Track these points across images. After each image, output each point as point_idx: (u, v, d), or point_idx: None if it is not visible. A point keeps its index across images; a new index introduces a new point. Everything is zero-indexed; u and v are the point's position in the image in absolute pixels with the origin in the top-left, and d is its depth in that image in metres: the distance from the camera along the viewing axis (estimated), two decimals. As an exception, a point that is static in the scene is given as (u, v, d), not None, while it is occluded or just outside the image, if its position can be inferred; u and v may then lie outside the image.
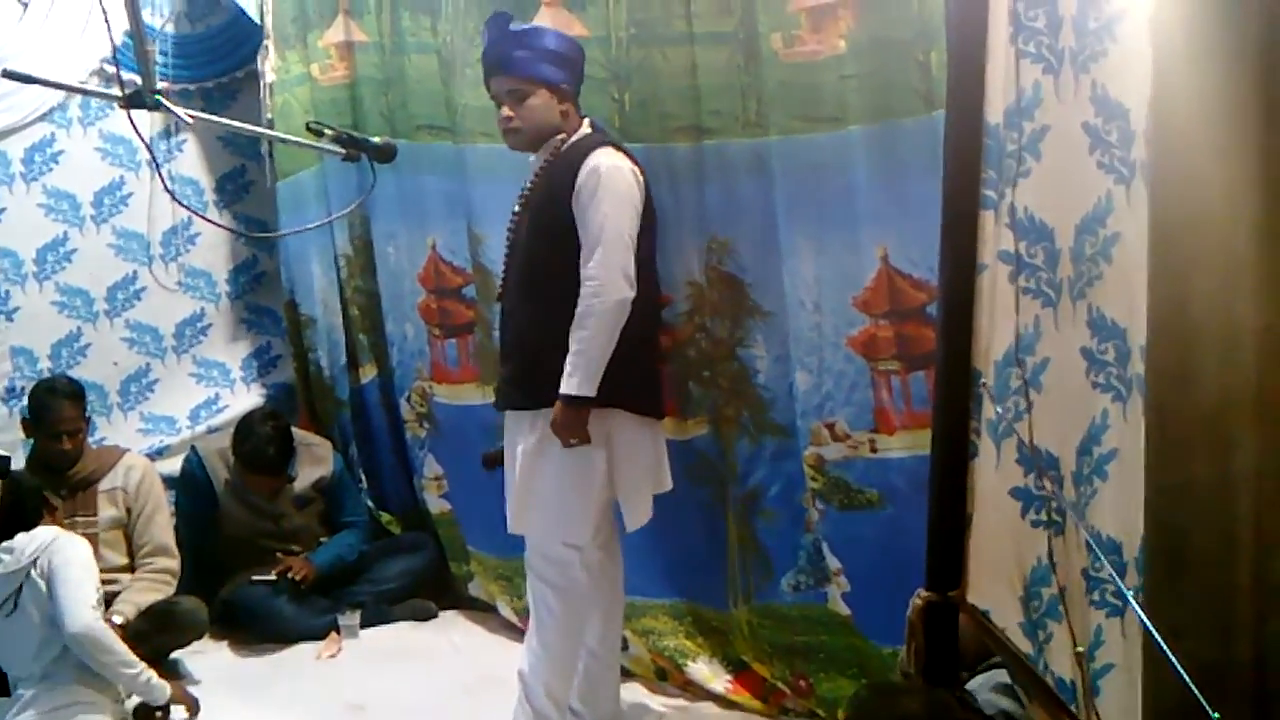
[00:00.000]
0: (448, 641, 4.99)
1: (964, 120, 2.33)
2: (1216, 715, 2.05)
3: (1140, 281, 2.51)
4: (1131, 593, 2.50)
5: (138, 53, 3.35)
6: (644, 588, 4.52)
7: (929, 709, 2.40)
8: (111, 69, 5.02)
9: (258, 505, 5.16)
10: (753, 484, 4.18)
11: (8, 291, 5.19)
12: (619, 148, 3.81)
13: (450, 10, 4.59)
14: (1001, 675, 2.71)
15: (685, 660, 4.39)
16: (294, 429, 5.26)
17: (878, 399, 3.78)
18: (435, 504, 5.33)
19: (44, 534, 4.01)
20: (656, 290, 3.97)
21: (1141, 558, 2.55)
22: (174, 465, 5.27)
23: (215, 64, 5.53)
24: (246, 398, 5.70)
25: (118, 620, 4.29)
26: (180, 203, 4.61)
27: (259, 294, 5.81)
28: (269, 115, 5.31)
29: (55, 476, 4.62)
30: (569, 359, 3.64)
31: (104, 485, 4.82)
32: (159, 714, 4.18)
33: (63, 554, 3.99)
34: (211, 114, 4.65)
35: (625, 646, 4.51)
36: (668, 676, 4.46)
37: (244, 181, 5.72)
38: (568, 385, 3.64)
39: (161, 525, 4.90)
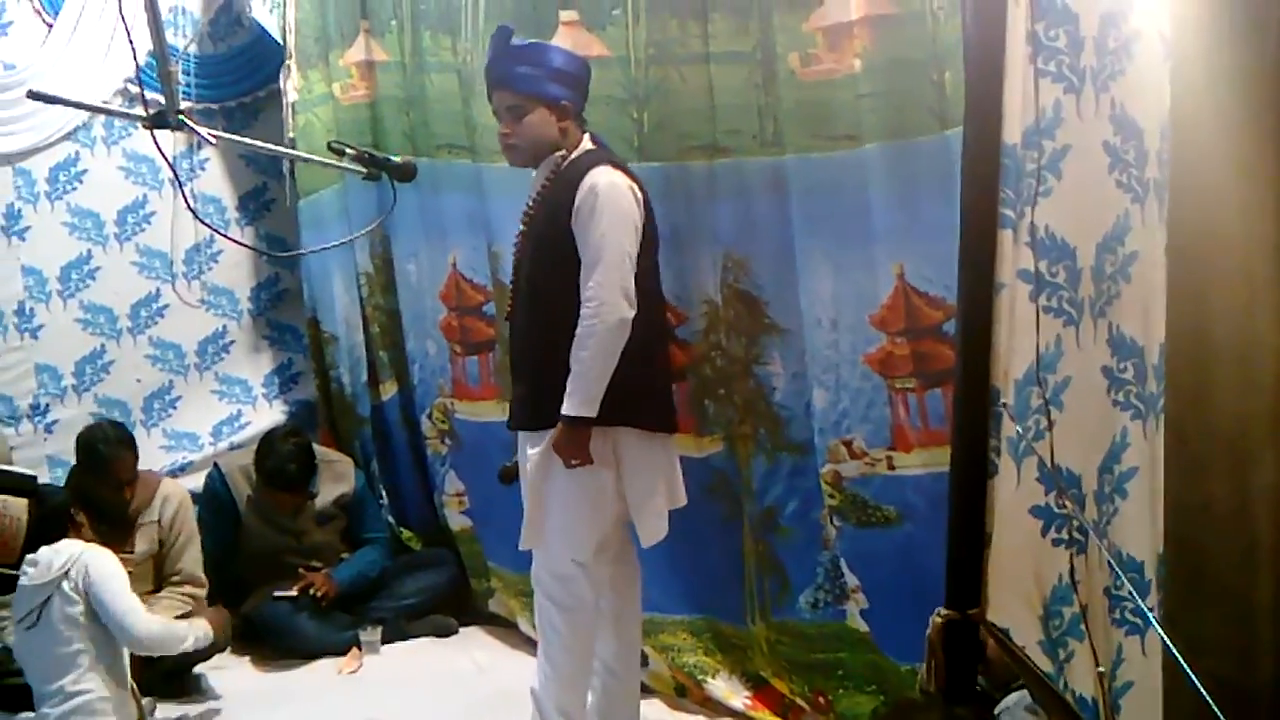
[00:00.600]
0: (468, 658, 4.99)
1: (982, 140, 2.33)
2: (1237, 734, 2.05)
3: (1158, 300, 2.52)
4: (1152, 611, 2.50)
5: (161, 73, 3.37)
6: (663, 604, 4.53)
7: None
8: (135, 88, 5.05)
9: (280, 522, 5.19)
10: (770, 501, 4.19)
11: (32, 309, 5.23)
12: (619, 165, 3.79)
13: (470, 30, 4.62)
14: (1031, 696, 2.72)
15: (705, 676, 4.40)
16: (315, 445, 5.29)
17: (895, 416, 3.79)
18: (456, 520, 5.35)
19: (70, 547, 4.03)
20: (661, 305, 3.96)
21: (1162, 576, 2.55)
22: (196, 482, 5.31)
23: (238, 83, 5.58)
24: (268, 414, 5.75)
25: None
26: (203, 221, 4.65)
27: (281, 311, 5.85)
28: (291, 134, 5.34)
29: (99, 519, 4.59)
30: (570, 379, 3.64)
31: (142, 519, 4.84)
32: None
33: (99, 567, 4.01)
34: (234, 133, 4.69)
35: (645, 662, 4.52)
36: (687, 693, 4.46)
37: (266, 199, 5.76)
38: (568, 405, 3.63)
39: (193, 556, 4.94)
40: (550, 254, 3.74)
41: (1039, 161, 2.38)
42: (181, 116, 3.24)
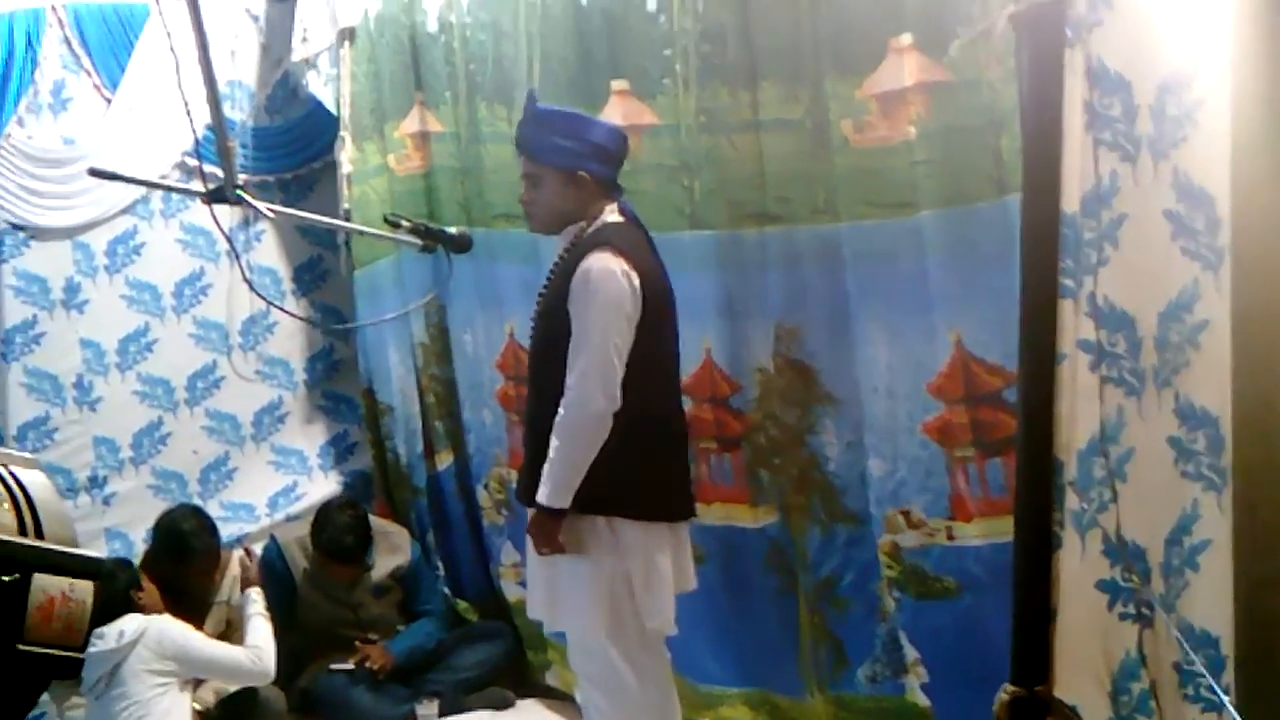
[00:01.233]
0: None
1: (1040, 209, 2.32)
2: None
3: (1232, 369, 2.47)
4: (1229, 689, 2.44)
5: (219, 148, 3.43)
6: (720, 676, 4.50)
7: None
8: (193, 161, 5.14)
9: (336, 594, 5.18)
10: (825, 572, 4.14)
11: (91, 382, 5.28)
12: (622, 248, 3.59)
13: (524, 99, 4.65)
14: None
15: (764, 750, 4.34)
16: (371, 517, 5.29)
17: (954, 486, 3.74)
18: (513, 591, 5.32)
19: (135, 619, 4.08)
20: (668, 390, 3.80)
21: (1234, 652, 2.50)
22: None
23: (293, 156, 5.65)
24: (324, 485, 5.77)
25: (198, 707, 4.30)
26: (259, 294, 4.69)
27: (336, 382, 5.89)
28: (346, 206, 5.38)
29: (177, 600, 4.54)
30: (545, 467, 3.58)
31: (214, 599, 4.87)
32: None
33: (177, 632, 4.13)
34: (290, 204, 4.76)
35: (704, 736, 4.50)
36: (745, 766, 4.40)
37: (321, 270, 5.81)
38: (540, 493, 3.58)
39: None
40: (551, 330, 3.65)
41: (1097, 230, 2.36)
42: (240, 191, 3.28)
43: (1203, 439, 2.41)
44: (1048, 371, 2.30)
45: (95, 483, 5.24)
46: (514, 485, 5.13)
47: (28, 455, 1.45)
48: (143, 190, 5.28)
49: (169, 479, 5.38)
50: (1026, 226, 2.38)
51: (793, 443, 4.14)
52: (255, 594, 4.49)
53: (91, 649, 3.95)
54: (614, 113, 4.39)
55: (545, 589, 3.79)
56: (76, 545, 1.43)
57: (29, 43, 4.95)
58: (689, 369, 4.37)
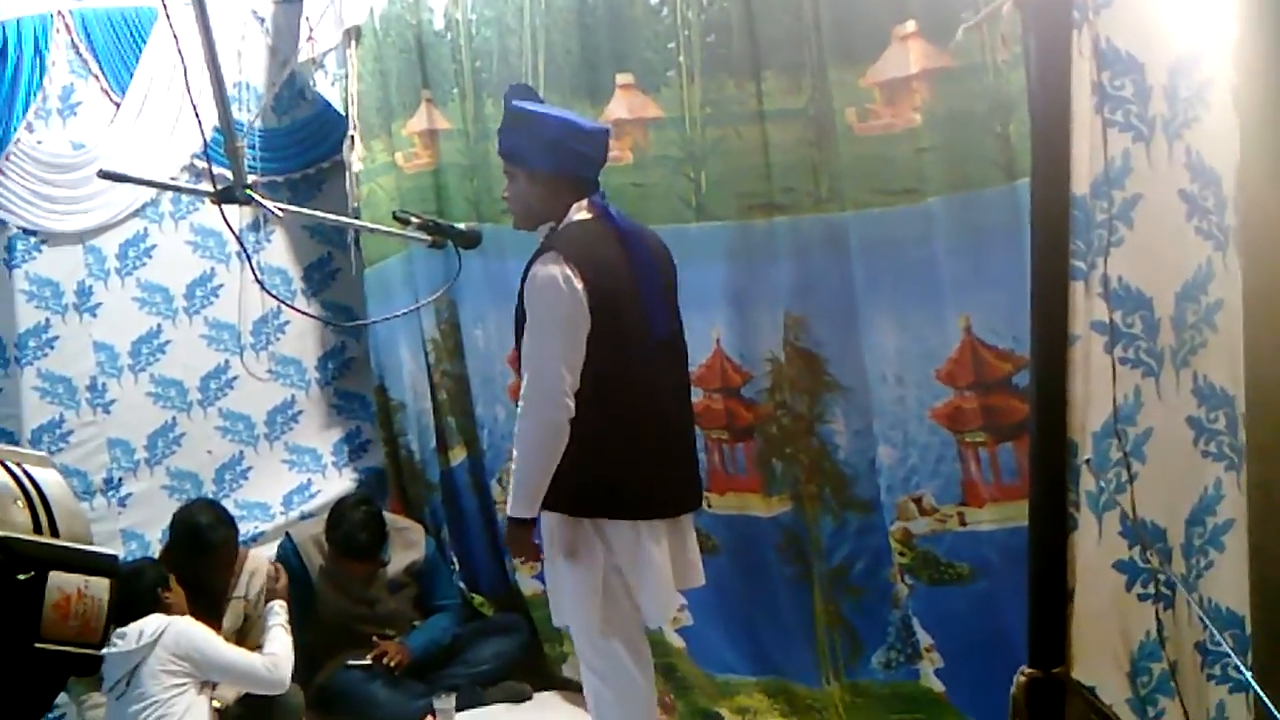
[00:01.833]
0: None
1: (1050, 192, 2.32)
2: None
3: (1246, 348, 2.47)
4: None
5: (228, 149, 3.43)
6: (737, 665, 4.51)
7: None
8: (201, 163, 5.14)
9: (352, 590, 5.18)
10: (838, 560, 4.15)
11: (104, 384, 5.28)
12: (569, 252, 3.52)
13: (508, 89, 4.66)
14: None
15: (781, 738, 4.35)
16: (386, 513, 5.30)
17: (965, 472, 3.75)
18: (528, 585, 5.33)
19: (156, 620, 4.12)
20: (644, 386, 3.66)
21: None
22: (269, 551, 5.30)
23: (302, 155, 5.64)
24: (338, 483, 5.76)
25: (217, 705, 4.32)
26: (271, 294, 4.68)
27: (348, 380, 5.88)
28: (355, 204, 5.39)
29: (196, 595, 4.60)
30: (511, 478, 3.61)
31: (231, 594, 4.88)
32: None
33: (196, 634, 4.19)
34: (299, 204, 4.76)
35: (721, 725, 4.51)
36: (764, 755, 4.41)
37: (331, 269, 5.81)
38: (510, 505, 3.62)
39: None
40: (521, 331, 3.63)
41: (1109, 211, 2.36)
42: (249, 191, 3.28)
43: (1222, 418, 2.41)
44: (1060, 353, 2.30)
45: (110, 484, 5.25)
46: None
47: (41, 454, 1.46)
48: (152, 193, 5.28)
49: (184, 479, 5.39)
50: (1036, 209, 2.38)
51: (803, 431, 4.16)
52: (279, 606, 4.51)
53: (112, 649, 3.97)
54: (619, 106, 4.40)
55: (551, 589, 3.82)
56: (92, 543, 1.44)
57: (37, 48, 4.95)
58: (699, 359, 4.38)
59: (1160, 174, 2.40)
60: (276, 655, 4.37)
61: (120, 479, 5.28)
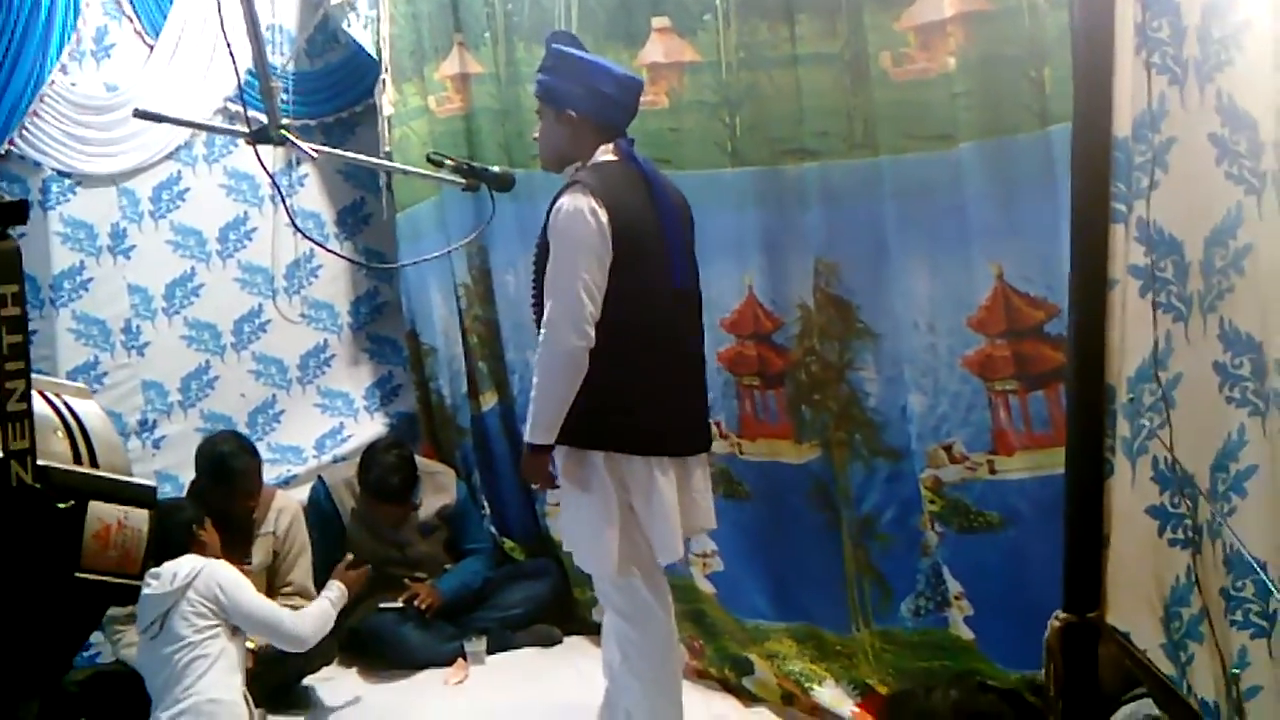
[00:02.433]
0: (572, 667, 4.99)
1: (1091, 134, 2.30)
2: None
3: (1275, 294, 2.45)
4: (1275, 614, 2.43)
5: (263, 90, 3.42)
6: (766, 611, 4.53)
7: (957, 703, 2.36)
8: (235, 107, 5.15)
9: (383, 533, 5.22)
10: (867, 508, 4.16)
11: (138, 327, 5.29)
12: (593, 186, 3.59)
13: (549, 34, 4.63)
14: (1150, 706, 2.65)
15: (811, 684, 4.36)
16: (417, 457, 5.32)
17: (996, 420, 3.75)
18: (558, 530, 5.35)
19: (191, 561, 4.16)
20: (663, 325, 3.73)
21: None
22: (300, 495, 5.34)
23: (334, 99, 5.62)
24: (370, 427, 5.77)
25: (250, 646, 4.37)
26: (307, 236, 4.69)
27: (380, 324, 5.89)
28: (387, 148, 5.38)
29: (224, 528, 4.63)
30: (530, 405, 3.66)
31: (260, 531, 4.93)
32: None
33: (229, 579, 4.19)
34: (331, 148, 4.73)
35: (750, 670, 4.52)
36: (794, 701, 4.43)
37: (363, 214, 5.80)
38: (527, 431, 3.66)
39: (304, 569, 5.02)
40: (541, 266, 3.69)
41: (1146, 155, 2.34)
42: (284, 131, 3.28)
43: (1248, 364, 2.39)
44: (1099, 297, 2.29)
45: (145, 426, 5.27)
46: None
47: (80, 385, 1.47)
48: (186, 135, 5.27)
49: (217, 422, 5.39)
50: (1077, 151, 2.36)
51: (833, 378, 4.15)
52: (339, 587, 4.54)
53: (146, 590, 4.00)
54: (655, 50, 4.38)
55: (564, 528, 3.88)
56: (131, 474, 1.45)
57: (70, -10, 4.96)
58: (731, 305, 4.39)
59: (1192, 117, 2.37)
60: (307, 613, 4.40)
61: (154, 421, 5.31)
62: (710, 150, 4.31)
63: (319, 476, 5.40)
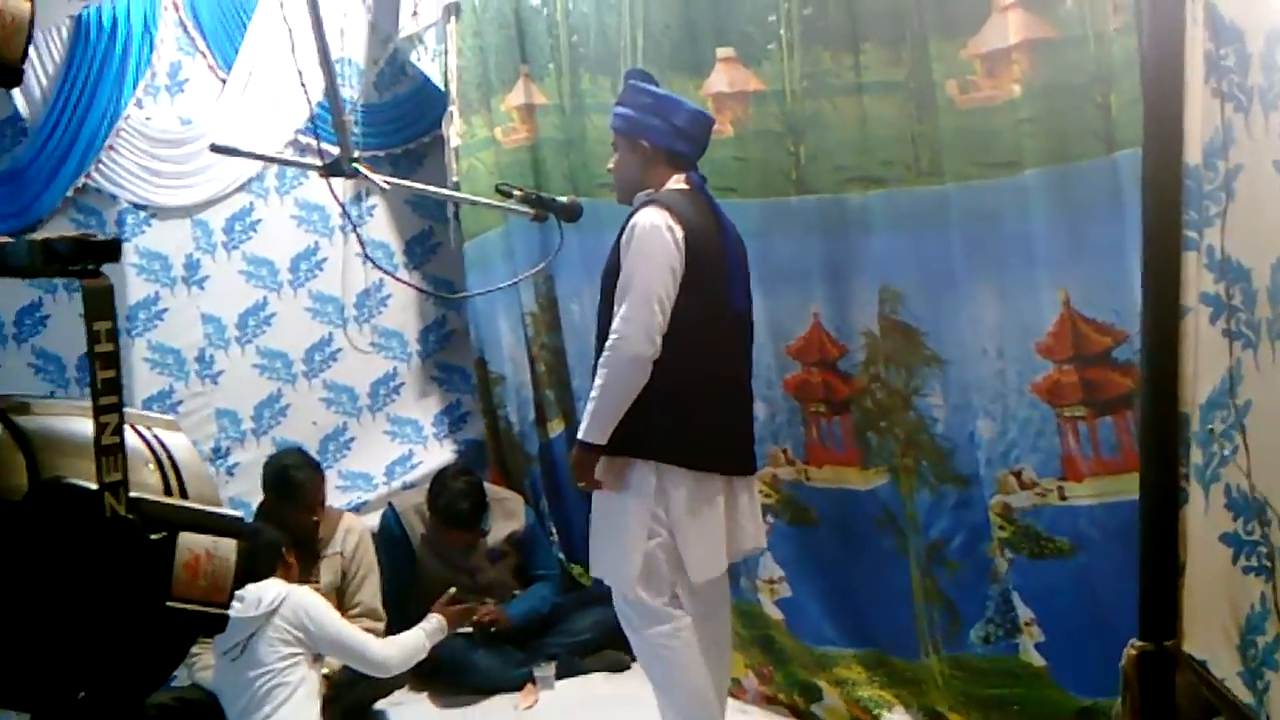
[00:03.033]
0: (641, 691, 4.99)
1: (1163, 161, 2.29)
2: None
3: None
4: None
5: (336, 123, 3.48)
6: (834, 637, 4.51)
7: None
8: (305, 139, 5.26)
9: (453, 559, 5.26)
10: (935, 534, 4.14)
11: (212, 356, 5.38)
12: (674, 206, 3.72)
13: (626, 70, 4.67)
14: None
15: (881, 710, 4.34)
16: (486, 484, 5.36)
17: (1065, 446, 3.73)
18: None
19: (277, 585, 4.21)
20: (724, 348, 3.84)
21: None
22: (371, 520, 5.40)
23: (402, 131, 5.70)
24: (439, 454, 5.84)
25: (325, 671, 4.41)
26: (378, 266, 4.76)
27: (448, 353, 5.95)
28: (455, 178, 5.45)
29: (294, 546, 4.70)
30: (588, 404, 3.74)
31: (327, 551, 5.00)
32: None
33: (315, 607, 4.26)
34: (401, 180, 4.79)
35: (819, 696, 4.51)
36: (863, 727, 4.41)
37: (431, 243, 5.87)
38: (582, 429, 3.74)
39: (372, 589, 5.08)
40: (610, 286, 3.78)
41: (1214, 182, 2.34)
42: (356, 164, 3.33)
43: (1317, 393, 2.38)
44: (1173, 325, 2.28)
45: (218, 454, 5.36)
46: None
47: (169, 418, 1.51)
48: (258, 168, 5.36)
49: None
50: (1149, 178, 2.35)
51: (900, 405, 4.15)
52: (438, 620, 4.61)
53: (231, 612, 4.05)
54: (719, 80, 4.41)
55: (594, 537, 3.92)
56: (219, 504, 1.49)
57: (145, 26, 5.04)
58: (796, 332, 4.40)
59: (1258, 144, 2.36)
60: (397, 641, 4.47)
61: (228, 449, 5.38)
62: (775, 178, 4.33)
63: (389, 503, 5.45)
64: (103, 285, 1.46)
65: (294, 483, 4.87)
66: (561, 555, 5.64)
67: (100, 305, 1.46)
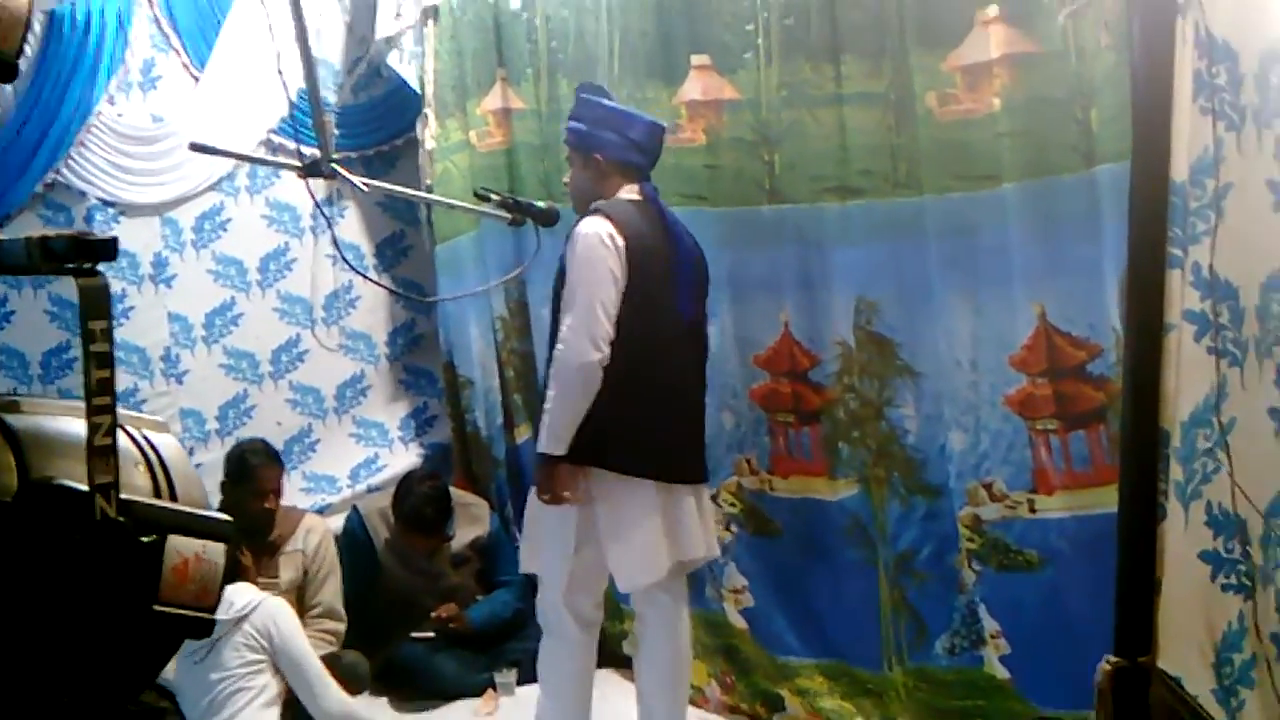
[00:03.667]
0: (601, 698, 4.97)
1: (1149, 179, 2.31)
2: None
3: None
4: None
5: (315, 123, 3.46)
6: (797, 647, 4.52)
7: None
8: (278, 139, 5.22)
9: (416, 564, 5.23)
10: (904, 545, 4.16)
11: (178, 355, 5.33)
12: (612, 214, 3.76)
13: (605, 77, 4.66)
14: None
15: (842, 721, 4.35)
16: (451, 489, 5.33)
17: (1036, 459, 3.75)
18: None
19: (246, 592, 4.17)
20: (664, 354, 3.85)
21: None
22: (335, 523, 5.36)
23: (376, 133, 5.67)
24: (405, 457, 5.80)
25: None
26: (352, 266, 4.71)
27: (416, 355, 5.92)
28: (429, 181, 5.41)
29: (248, 538, 4.71)
30: (543, 416, 3.77)
31: (287, 548, 4.96)
32: None
33: (286, 622, 4.24)
34: (378, 181, 4.76)
35: (781, 706, 4.51)
36: (826, 737, 4.42)
37: (402, 246, 5.84)
38: (540, 442, 3.78)
39: (333, 589, 5.04)
40: (557, 296, 3.84)
41: (1202, 200, 2.35)
42: (335, 165, 3.31)
43: (1306, 411, 2.40)
44: (1156, 342, 2.30)
45: (181, 455, 5.31)
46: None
47: (158, 419, 1.49)
48: (229, 166, 5.32)
49: (253, 452, 5.44)
50: (1136, 195, 2.37)
51: (872, 416, 4.16)
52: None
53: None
54: (693, 88, 4.41)
55: (526, 535, 4.01)
56: (208, 507, 1.47)
57: (120, 23, 4.98)
58: (765, 342, 4.40)
59: (1250, 163, 2.39)
60: (347, 698, 4.43)
61: (192, 449, 5.31)
62: (748, 188, 4.34)
63: (354, 506, 5.41)
64: (99, 284, 1.45)
65: (248, 467, 4.85)
66: (526, 561, 5.60)
67: (96, 304, 1.44)
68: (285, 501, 5.18)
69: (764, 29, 4.20)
